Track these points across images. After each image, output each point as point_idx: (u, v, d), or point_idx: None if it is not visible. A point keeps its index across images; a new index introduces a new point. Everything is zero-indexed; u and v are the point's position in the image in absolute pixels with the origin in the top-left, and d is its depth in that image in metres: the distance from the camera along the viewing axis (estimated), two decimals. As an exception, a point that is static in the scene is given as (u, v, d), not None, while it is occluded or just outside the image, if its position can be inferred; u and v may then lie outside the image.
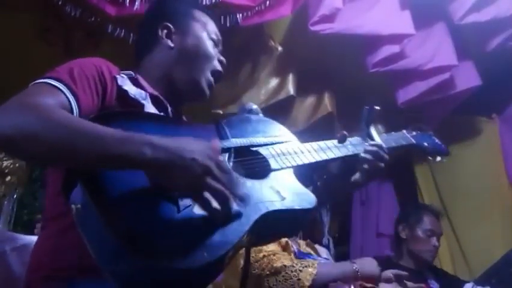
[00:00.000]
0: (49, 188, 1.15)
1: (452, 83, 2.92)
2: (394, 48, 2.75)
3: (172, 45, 1.31)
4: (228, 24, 2.58)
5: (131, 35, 2.56)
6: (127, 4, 2.44)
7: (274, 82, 3.04)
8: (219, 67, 1.34)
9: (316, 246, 2.17)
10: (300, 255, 1.91)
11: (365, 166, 1.27)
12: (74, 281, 1.00)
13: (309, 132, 3.09)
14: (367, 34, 2.73)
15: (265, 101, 2.97)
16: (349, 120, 3.25)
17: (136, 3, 2.44)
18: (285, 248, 1.88)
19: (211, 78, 1.33)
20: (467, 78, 2.94)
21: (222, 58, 1.35)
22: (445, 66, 2.82)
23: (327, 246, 3.04)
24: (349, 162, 1.28)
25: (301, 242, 2.08)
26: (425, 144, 1.48)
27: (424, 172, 3.58)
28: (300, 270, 1.70)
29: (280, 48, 3.04)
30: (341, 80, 3.17)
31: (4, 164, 2.93)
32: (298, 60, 3.07)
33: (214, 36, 1.35)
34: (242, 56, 3.05)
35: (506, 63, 2.96)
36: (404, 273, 1.97)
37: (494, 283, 2.32)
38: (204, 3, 2.45)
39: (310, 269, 1.71)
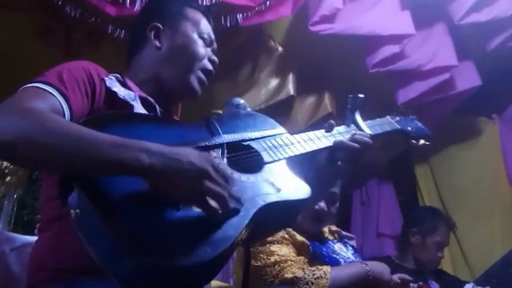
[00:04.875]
0: (44, 193, 1.15)
1: (452, 83, 2.92)
2: (394, 49, 2.75)
3: (159, 45, 1.30)
4: (228, 24, 2.58)
5: (131, 35, 2.56)
6: (127, 5, 2.44)
7: (274, 82, 3.04)
8: (209, 66, 1.32)
9: (344, 233, 2.15)
10: (315, 252, 1.86)
11: (349, 153, 1.28)
12: (75, 282, 1.00)
13: (309, 133, 3.09)
14: (367, 34, 2.73)
15: (266, 101, 2.97)
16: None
17: (136, 3, 2.44)
18: (301, 250, 1.85)
19: (203, 76, 1.31)
20: (467, 78, 2.94)
21: (213, 58, 1.33)
22: (445, 67, 2.82)
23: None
24: (335, 152, 1.30)
25: (325, 229, 2.05)
26: (409, 128, 1.53)
27: (424, 172, 3.58)
28: (312, 283, 1.67)
29: (280, 48, 3.04)
30: (341, 80, 3.17)
31: (4, 164, 2.92)
32: (298, 60, 3.07)
33: (205, 36, 1.33)
34: (242, 56, 3.05)
35: (506, 63, 2.97)
36: (409, 278, 1.96)
37: (494, 283, 2.32)
38: (204, 3, 2.45)
39: (323, 281, 1.68)
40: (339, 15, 2.70)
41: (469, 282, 2.48)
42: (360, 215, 3.61)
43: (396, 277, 1.87)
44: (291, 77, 3.03)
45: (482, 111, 3.38)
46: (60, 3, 2.44)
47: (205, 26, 1.35)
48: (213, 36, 1.36)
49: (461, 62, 2.85)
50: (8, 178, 2.96)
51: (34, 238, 1.97)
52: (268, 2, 2.63)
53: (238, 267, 1.89)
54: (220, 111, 2.88)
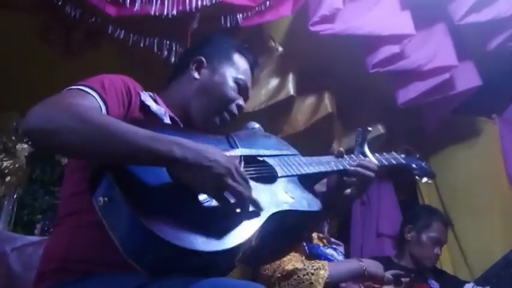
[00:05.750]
0: (66, 190, 1.21)
1: (452, 84, 2.92)
2: (394, 49, 2.75)
3: (198, 77, 1.39)
4: (228, 24, 2.58)
5: (131, 35, 2.55)
6: (127, 5, 2.43)
7: (274, 82, 3.04)
8: (234, 110, 1.39)
9: (332, 239, 2.19)
10: (311, 252, 1.90)
11: (358, 179, 1.34)
12: (88, 274, 1.04)
13: (309, 132, 3.10)
14: (367, 34, 2.73)
15: (266, 101, 2.97)
16: (349, 120, 3.25)
17: (136, 3, 2.43)
18: (297, 249, 1.87)
19: (227, 117, 1.38)
20: (467, 78, 2.93)
21: (241, 103, 1.40)
22: (445, 67, 2.82)
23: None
24: (343, 178, 1.36)
25: (314, 235, 2.09)
26: (414, 165, 1.60)
27: (424, 172, 3.57)
28: (312, 274, 1.71)
29: (280, 48, 3.04)
30: (341, 80, 3.17)
31: (4, 164, 2.92)
32: (298, 60, 3.07)
33: (241, 83, 1.41)
34: (242, 56, 3.04)
35: (506, 63, 2.96)
36: (401, 272, 2.00)
37: (494, 283, 2.32)
38: (204, 3, 2.45)
39: (322, 272, 1.71)
40: (339, 15, 2.70)
41: (468, 282, 2.48)
42: (360, 215, 3.61)
43: (388, 273, 1.93)
44: (291, 77, 3.03)
45: (482, 111, 3.38)
46: (60, 3, 2.44)
47: (245, 74, 1.43)
48: (249, 85, 1.45)
49: (461, 62, 2.85)
50: (8, 178, 2.96)
51: (35, 238, 1.98)
52: (268, 2, 2.63)
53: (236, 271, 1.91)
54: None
